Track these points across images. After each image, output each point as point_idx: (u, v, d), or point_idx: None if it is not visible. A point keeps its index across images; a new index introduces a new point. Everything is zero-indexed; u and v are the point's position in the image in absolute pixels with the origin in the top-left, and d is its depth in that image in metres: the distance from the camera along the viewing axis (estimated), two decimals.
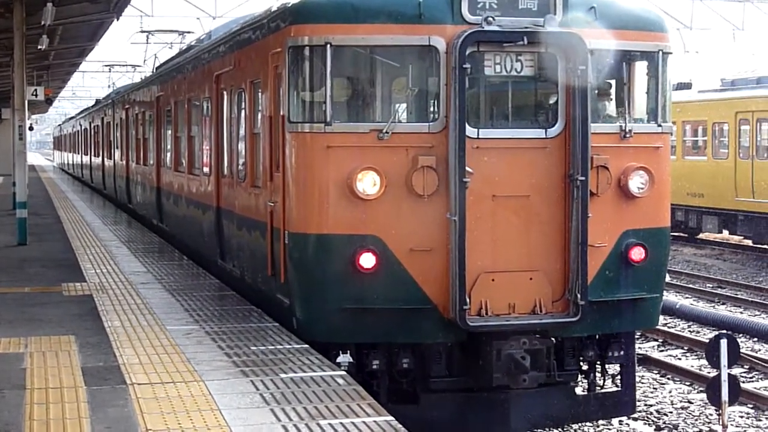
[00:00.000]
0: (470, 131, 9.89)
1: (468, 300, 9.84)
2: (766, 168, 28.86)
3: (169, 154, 19.69)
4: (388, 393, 10.22)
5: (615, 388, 11.05)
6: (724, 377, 10.38)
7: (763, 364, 15.49)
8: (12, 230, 21.32)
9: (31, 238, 20.78)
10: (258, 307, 12.25)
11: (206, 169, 15.37)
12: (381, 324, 10.00)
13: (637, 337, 12.93)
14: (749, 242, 30.41)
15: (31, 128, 44.00)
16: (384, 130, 9.88)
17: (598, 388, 11.05)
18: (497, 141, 10.11)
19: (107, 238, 21.27)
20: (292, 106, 10.34)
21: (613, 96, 11.00)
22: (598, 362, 10.98)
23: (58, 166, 78.03)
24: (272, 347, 10.24)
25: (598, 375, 11.07)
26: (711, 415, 12.97)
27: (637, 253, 10.40)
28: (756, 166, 29.05)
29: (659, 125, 10.69)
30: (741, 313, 20.48)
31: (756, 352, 16.49)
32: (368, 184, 9.81)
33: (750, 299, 21.86)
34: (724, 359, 10.35)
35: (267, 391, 8.54)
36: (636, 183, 10.38)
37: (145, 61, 45.48)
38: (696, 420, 12.91)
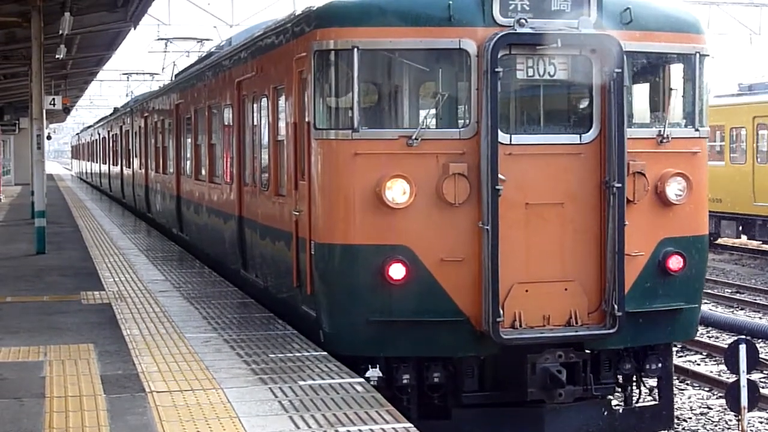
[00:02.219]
0: (503, 137, 9.48)
1: (501, 312, 9.42)
2: None
3: (189, 163, 19.32)
4: (418, 408, 9.79)
5: (653, 402, 10.61)
6: (744, 383, 10.06)
7: None
8: (31, 239, 21.15)
9: (49, 247, 20.59)
10: (282, 319, 11.86)
11: (228, 178, 14.97)
12: (411, 337, 9.60)
13: None
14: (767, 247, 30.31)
15: (49, 137, 44.12)
16: (413, 137, 9.48)
17: (635, 401, 10.61)
18: (530, 147, 9.70)
19: (126, 247, 21.13)
20: (318, 113, 9.93)
21: (649, 100, 10.59)
22: (635, 375, 10.51)
23: (77, 175, 78.01)
24: (291, 355, 10.06)
25: (635, 388, 10.65)
26: (730, 420, 12.74)
27: (675, 262, 9.98)
28: None
29: (697, 129, 10.26)
30: (760, 318, 20.19)
31: None
32: (398, 192, 9.42)
33: None
34: (743, 364, 10.03)
35: (286, 398, 8.41)
36: (673, 189, 9.97)
37: (163, 69, 45.57)
38: (715, 426, 12.63)
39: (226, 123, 15.05)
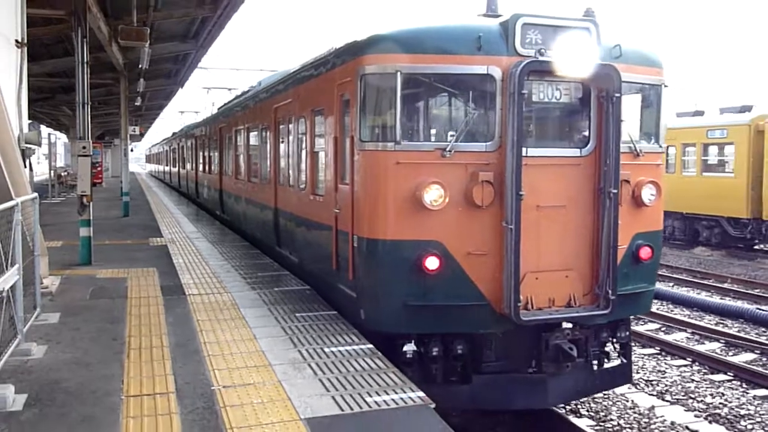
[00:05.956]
0: None
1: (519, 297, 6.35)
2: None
3: (230, 166, 15.91)
4: (444, 374, 6.76)
5: (619, 362, 7.72)
6: None
7: None
8: (119, 208, 19.77)
9: (131, 213, 19.12)
10: (314, 288, 8.72)
11: (266, 178, 11.63)
12: (441, 317, 6.45)
13: None
14: None
15: (131, 150, 43.09)
16: (447, 149, 6.29)
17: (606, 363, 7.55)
18: (541, 159, 6.68)
19: (177, 213, 19.61)
20: (364, 128, 6.71)
21: (629, 120, 7.50)
22: (609, 342, 7.64)
23: (149, 173, 76.27)
24: (272, 273, 9.56)
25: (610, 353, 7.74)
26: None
27: (645, 252, 7.11)
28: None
29: (660, 145, 7.32)
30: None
31: None
32: (434, 195, 6.25)
33: None
34: None
35: (267, 297, 8.14)
36: (647, 194, 7.09)
37: (205, 107, 44.87)
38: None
39: (263, 138, 11.79)
